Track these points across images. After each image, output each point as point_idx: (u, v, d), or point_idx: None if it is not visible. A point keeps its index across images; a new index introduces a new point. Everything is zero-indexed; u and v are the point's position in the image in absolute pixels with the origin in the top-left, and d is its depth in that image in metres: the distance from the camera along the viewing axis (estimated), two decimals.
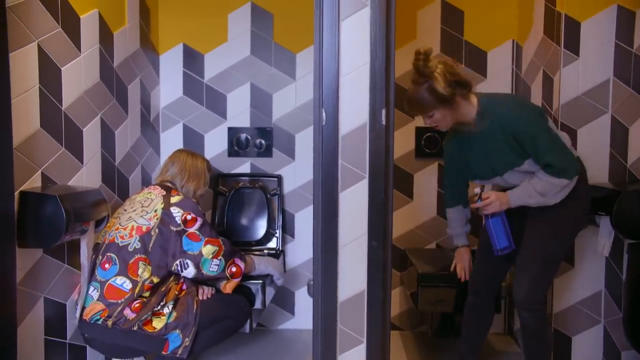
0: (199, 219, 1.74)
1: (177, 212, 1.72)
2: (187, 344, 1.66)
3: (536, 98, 2.16)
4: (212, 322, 1.74)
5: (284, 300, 2.56)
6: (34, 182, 1.45)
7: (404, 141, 2.46)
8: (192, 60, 2.49)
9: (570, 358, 1.97)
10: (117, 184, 2.03)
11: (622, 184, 1.82)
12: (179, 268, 1.70)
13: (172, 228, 1.69)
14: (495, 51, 2.43)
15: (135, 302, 1.63)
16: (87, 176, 1.77)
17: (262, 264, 1.94)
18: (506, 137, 1.57)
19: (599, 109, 1.90)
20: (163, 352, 1.67)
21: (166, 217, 1.70)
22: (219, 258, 1.74)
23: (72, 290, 1.69)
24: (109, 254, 1.67)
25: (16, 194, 1.35)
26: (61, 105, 1.60)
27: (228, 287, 1.81)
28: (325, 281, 1.18)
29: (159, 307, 1.65)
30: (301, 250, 2.52)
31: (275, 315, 2.57)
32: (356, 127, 1.18)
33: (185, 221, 1.71)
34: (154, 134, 2.45)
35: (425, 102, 1.56)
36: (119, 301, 1.62)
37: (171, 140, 2.49)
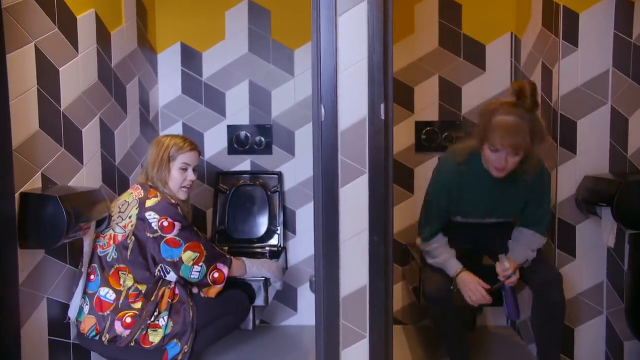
0: (176, 223, 1.64)
1: (152, 218, 1.62)
2: (185, 350, 1.64)
3: None
4: (211, 321, 1.73)
5: (287, 297, 2.56)
6: (34, 183, 1.45)
7: (403, 136, 2.46)
8: (190, 58, 2.49)
9: (573, 349, 1.98)
10: (117, 183, 2.03)
11: (623, 175, 1.82)
12: (161, 273, 1.66)
13: (148, 235, 1.62)
14: (494, 44, 2.42)
15: (125, 316, 1.59)
16: (87, 176, 1.77)
17: (254, 267, 1.86)
18: (527, 185, 1.70)
19: (598, 99, 1.90)
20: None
21: (141, 223, 1.62)
22: (200, 264, 1.66)
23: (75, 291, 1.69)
24: (93, 264, 1.65)
25: (16, 195, 1.35)
26: (60, 106, 1.60)
27: (210, 292, 1.72)
28: (327, 277, 1.18)
29: (152, 319, 1.61)
30: (303, 246, 2.52)
31: (278, 312, 2.57)
32: (355, 122, 1.18)
33: (162, 227, 1.62)
34: (154, 133, 2.44)
35: (525, 137, 1.54)
36: (106, 313, 1.60)
37: None
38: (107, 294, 1.61)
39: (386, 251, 1.17)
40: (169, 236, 1.63)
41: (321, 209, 1.16)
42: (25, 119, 1.41)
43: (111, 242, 1.63)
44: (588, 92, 1.90)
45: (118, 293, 1.62)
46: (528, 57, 2.23)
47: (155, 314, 1.63)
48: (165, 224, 1.63)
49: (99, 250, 1.64)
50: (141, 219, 1.62)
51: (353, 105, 1.19)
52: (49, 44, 1.53)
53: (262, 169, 2.50)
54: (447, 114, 2.46)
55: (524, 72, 2.28)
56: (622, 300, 1.83)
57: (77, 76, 1.70)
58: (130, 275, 1.63)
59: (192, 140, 1.82)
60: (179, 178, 1.76)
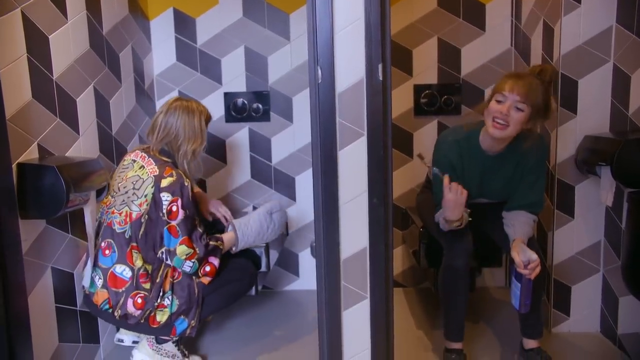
0: (181, 212, 1.62)
1: (165, 199, 1.61)
2: (193, 324, 1.69)
3: (536, 50, 2.11)
4: (216, 289, 1.75)
5: (288, 263, 2.60)
6: (31, 154, 1.45)
7: (402, 99, 2.43)
8: (184, 25, 2.43)
9: (570, 306, 2.02)
10: (115, 153, 2.02)
11: (623, 134, 1.81)
12: (163, 256, 1.67)
13: (160, 214, 1.63)
14: (494, 3, 2.36)
15: (137, 296, 1.62)
16: (84, 147, 1.76)
17: (245, 238, 1.82)
18: (524, 166, 1.69)
19: (600, 57, 1.86)
20: (172, 336, 1.70)
21: (154, 203, 1.62)
22: (193, 261, 1.66)
23: (79, 260, 1.71)
24: (108, 239, 1.65)
25: (14, 166, 1.35)
26: (52, 75, 1.57)
27: (202, 281, 1.72)
28: (328, 239, 1.19)
29: (159, 300, 1.64)
30: (303, 213, 2.53)
31: (280, 278, 2.61)
32: (353, 84, 1.16)
33: (169, 212, 1.62)
34: (150, 102, 2.42)
35: (536, 94, 1.55)
36: (121, 290, 1.62)
37: None
38: (123, 271, 1.63)
39: (386, 213, 1.18)
40: (173, 223, 1.63)
41: (320, 172, 1.16)
42: (17, 88, 1.39)
43: (127, 219, 1.64)
44: (590, 50, 1.86)
45: (133, 271, 1.63)
46: (529, 15, 2.17)
47: (160, 294, 1.65)
48: (174, 209, 1.62)
49: (116, 227, 1.64)
50: (156, 199, 1.62)
51: (350, 66, 1.16)
52: (36, 10, 1.48)
53: (262, 136, 2.48)
54: (447, 77, 2.42)
55: (524, 31, 2.23)
56: (619, 258, 1.85)
57: (68, 44, 1.67)
58: (140, 255, 1.64)
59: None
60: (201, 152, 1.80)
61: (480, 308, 2.29)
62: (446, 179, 1.61)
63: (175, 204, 1.62)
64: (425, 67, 2.42)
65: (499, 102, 1.58)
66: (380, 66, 1.15)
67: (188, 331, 1.69)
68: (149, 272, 1.65)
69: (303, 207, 2.53)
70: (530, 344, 1.76)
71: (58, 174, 1.36)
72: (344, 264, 1.21)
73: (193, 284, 1.70)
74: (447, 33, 2.40)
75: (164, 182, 1.62)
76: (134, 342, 1.91)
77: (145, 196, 1.63)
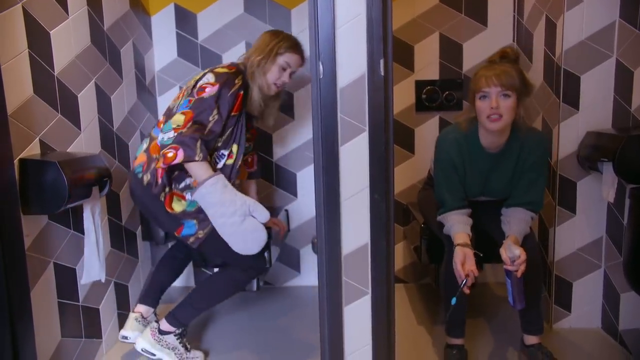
0: (208, 92, 1.63)
1: (207, 78, 1.68)
2: (200, 236, 1.68)
3: (538, 45, 2.10)
4: (221, 251, 1.68)
5: (289, 259, 2.60)
6: (33, 150, 1.45)
7: (403, 95, 2.43)
8: (185, 20, 2.43)
9: (571, 302, 2.02)
10: (116, 149, 2.03)
11: (626, 130, 1.80)
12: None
13: (192, 91, 1.68)
14: None
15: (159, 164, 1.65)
16: (86, 142, 1.76)
17: (203, 194, 1.60)
18: (529, 164, 1.68)
19: (603, 53, 1.85)
20: (176, 234, 1.70)
21: (197, 83, 1.70)
22: (174, 133, 1.59)
23: (81, 256, 1.72)
24: (165, 116, 1.76)
25: (16, 161, 1.35)
26: (53, 71, 1.57)
27: (157, 164, 1.64)
28: (329, 235, 1.19)
29: (182, 186, 1.67)
30: (304, 209, 2.54)
31: (281, 273, 2.62)
32: (355, 79, 1.15)
33: (201, 88, 1.66)
34: (151, 98, 2.41)
35: (513, 77, 1.56)
36: (154, 156, 1.68)
37: None
38: (163, 138, 1.65)
39: (387, 208, 1.17)
40: (194, 97, 1.65)
41: (322, 168, 1.16)
42: (18, 84, 1.39)
43: (181, 96, 1.75)
44: (593, 46, 1.85)
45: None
46: (531, 10, 2.16)
47: (185, 185, 1.67)
48: (207, 89, 1.65)
49: (171, 103, 1.78)
50: (200, 78, 1.69)
51: (352, 62, 1.16)
52: (37, 5, 1.48)
53: (262, 132, 2.48)
54: (448, 73, 2.42)
55: (527, 27, 2.22)
56: (621, 254, 1.85)
57: (69, 40, 1.66)
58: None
59: (302, 48, 1.87)
60: (276, 73, 1.80)
61: (482, 304, 2.30)
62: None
63: (211, 87, 1.65)
64: (427, 63, 2.42)
65: (483, 98, 1.60)
66: (381, 62, 1.14)
67: (192, 239, 1.68)
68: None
69: (304, 203, 2.53)
70: (530, 339, 1.76)
71: (60, 169, 1.36)
72: (345, 259, 1.21)
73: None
74: (448, 28, 2.39)
75: (218, 69, 1.71)
76: None
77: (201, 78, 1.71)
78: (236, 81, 1.69)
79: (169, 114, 1.74)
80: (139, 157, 1.75)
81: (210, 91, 1.64)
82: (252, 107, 1.82)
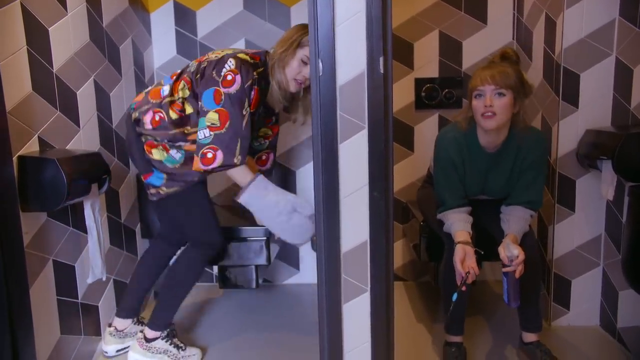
0: (235, 85, 1.55)
1: (228, 64, 1.58)
2: (162, 192, 1.70)
3: (538, 43, 2.10)
4: (176, 220, 1.77)
5: (289, 256, 2.60)
6: (32, 147, 1.44)
7: (403, 93, 2.42)
8: (184, 17, 2.42)
9: (570, 300, 2.02)
10: (116, 146, 2.02)
11: (625, 128, 1.80)
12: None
13: (212, 73, 1.59)
14: None
15: (158, 114, 1.67)
16: (85, 140, 1.76)
17: (254, 197, 1.61)
18: (528, 163, 1.68)
19: (602, 51, 1.85)
20: (143, 178, 1.73)
21: (218, 62, 1.60)
22: (212, 133, 1.55)
23: (80, 252, 1.72)
24: (179, 74, 1.75)
25: (14, 158, 1.35)
26: (52, 68, 1.57)
27: (193, 165, 1.62)
28: (328, 233, 1.19)
29: (170, 143, 1.68)
30: None
31: (280, 271, 2.62)
32: (354, 77, 1.15)
33: (225, 78, 1.56)
34: None
35: (509, 76, 1.58)
36: (152, 101, 1.69)
37: None
38: (164, 88, 1.71)
39: (386, 206, 1.18)
40: (221, 89, 1.56)
41: (321, 165, 1.16)
42: (17, 81, 1.38)
43: (197, 61, 1.71)
44: (592, 44, 1.85)
45: (172, 95, 1.68)
46: (531, 8, 2.16)
47: (174, 143, 1.68)
48: (230, 77, 1.56)
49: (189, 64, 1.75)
50: (222, 59, 1.60)
51: (351, 59, 1.16)
52: (36, 2, 1.48)
53: None
54: (448, 70, 2.42)
55: (526, 24, 2.22)
56: (619, 252, 1.85)
57: (67, 37, 1.66)
58: (188, 91, 1.66)
59: None
60: (295, 68, 1.66)
61: (481, 302, 2.30)
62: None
63: (233, 74, 1.57)
64: (427, 61, 2.41)
65: (478, 97, 1.61)
66: (381, 59, 1.14)
67: (153, 191, 1.71)
68: (184, 109, 1.66)
69: None
70: (529, 337, 1.76)
71: (59, 166, 1.36)
72: (345, 257, 1.21)
73: (190, 170, 1.66)
74: (448, 26, 2.39)
75: (240, 55, 1.62)
76: (117, 351, 1.86)
77: (222, 50, 1.68)
78: (254, 74, 1.61)
79: (182, 74, 1.72)
80: (138, 96, 1.78)
81: (236, 86, 1.57)
82: (273, 102, 1.76)
